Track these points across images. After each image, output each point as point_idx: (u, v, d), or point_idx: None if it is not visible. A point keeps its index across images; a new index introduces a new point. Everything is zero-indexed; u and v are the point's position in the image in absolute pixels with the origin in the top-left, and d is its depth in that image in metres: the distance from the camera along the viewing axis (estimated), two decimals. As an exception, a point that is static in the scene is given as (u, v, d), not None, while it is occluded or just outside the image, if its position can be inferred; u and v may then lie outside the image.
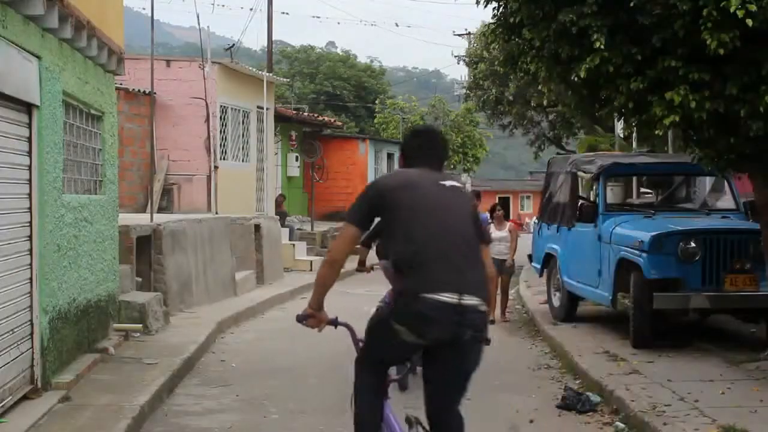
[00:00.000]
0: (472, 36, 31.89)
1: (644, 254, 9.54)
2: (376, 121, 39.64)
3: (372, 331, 4.78)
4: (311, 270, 19.43)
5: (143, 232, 11.57)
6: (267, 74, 21.23)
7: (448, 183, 4.44)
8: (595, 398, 7.63)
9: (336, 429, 7.04)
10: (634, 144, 16.67)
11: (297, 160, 26.16)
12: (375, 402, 4.88)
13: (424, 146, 4.58)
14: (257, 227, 16.52)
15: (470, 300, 4.22)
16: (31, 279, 7.14)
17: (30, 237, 7.13)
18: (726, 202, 11.46)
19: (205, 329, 10.93)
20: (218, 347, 10.61)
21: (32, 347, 7.11)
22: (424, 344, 4.50)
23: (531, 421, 7.27)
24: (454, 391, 4.68)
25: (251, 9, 66.96)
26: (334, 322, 4.99)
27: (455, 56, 35.85)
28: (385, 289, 7.07)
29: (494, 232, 12.46)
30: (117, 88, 10.95)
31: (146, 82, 14.50)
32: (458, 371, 4.63)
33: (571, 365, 9.25)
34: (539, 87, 10.31)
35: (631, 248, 9.82)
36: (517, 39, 9.02)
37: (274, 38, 28.99)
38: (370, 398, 4.92)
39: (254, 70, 21.37)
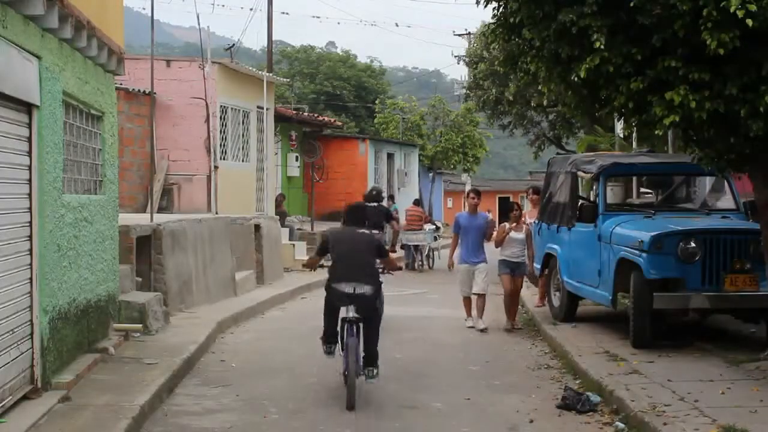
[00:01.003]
0: (472, 36, 31.90)
1: (644, 254, 9.54)
2: (376, 121, 39.59)
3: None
4: (311, 270, 19.38)
5: (143, 232, 11.57)
6: (267, 74, 21.23)
7: (359, 231, 8.45)
8: (595, 398, 7.63)
9: (336, 429, 7.05)
10: (634, 144, 16.66)
11: (297, 160, 26.17)
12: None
13: (351, 217, 8.62)
14: (257, 227, 16.52)
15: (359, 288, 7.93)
16: (31, 279, 7.15)
17: (30, 237, 7.13)
18: (726, 202, 11.46)
19: (205, 329, 10.93)
20: (218, 347, 10.61)
21: (32, 347, 7.11)
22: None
23: (531, 421, 7.27)
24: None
25: (251, 9, 66.99)
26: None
27: (455, 56, 35.78)
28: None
29: (512, 233, 12.14)
30: (117, 88, 10.95)
31: (146, 82, 14.50)
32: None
33: (571, 365, 9.25)
34: (539, 87, 10.29)
35: (631, 248, 9.83)
36: (517, 39, 9.01)
37: (274, 38, 29.02)
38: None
39: (254, 70, 21.38)
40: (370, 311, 8.12)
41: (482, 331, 11.91)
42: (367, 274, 8.04)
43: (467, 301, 12.47)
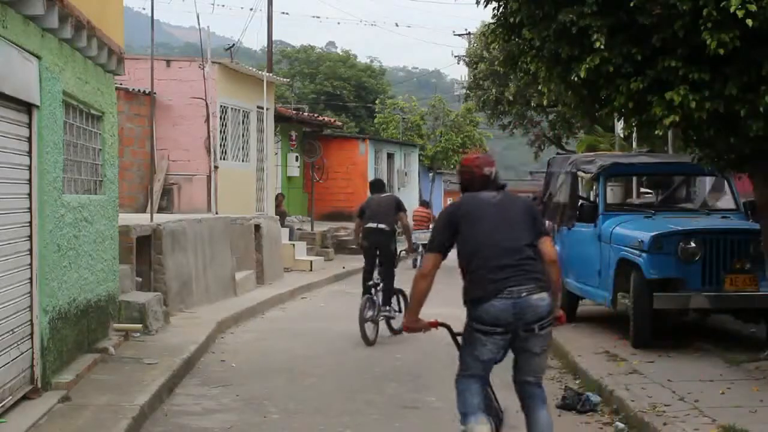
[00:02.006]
0: (472, 36, 31.87)
1: (644, 254, 9.54)
2: (376, 121, 39.58)
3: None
4: (311, 270, 19.45)
5: (143, 232, 11.57)
6: (267, 74, 21.23)
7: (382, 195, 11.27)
8: (595, 398, 7.63)
9: (336, 429, 7.05)
10: (634, 144, 16.67)
11: (297, 160, 26.17)
12: None
13: (374, 187, 11.89)
14: (257, 227, 16.53)
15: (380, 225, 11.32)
16: (31, 279, 7.15)
17: (30, 237, 7.13)
18: (726, 202, 11.46)
19: (205, 329, 10.93)
20: (218, 347, 10.61)
21: (32, 347, 7.12)
22: None
23: (531, 421, 7.26)
24: None
25: (251, 9, 67.13)
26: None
27: (455, 56, 35.83)
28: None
29: None
30: (117, 88, 10.95)
31: (146, 82, 14.50)
32: None
33: (571, 365, 9.25)
34: (539, 87, 10.28)
35: (631, 248, 9.82)
36: (517, 39, 9.01)
37: (274, 38, 29.02)
38: None
39: (254, 70, 21.38)
40: (386, 247, 11.52)
41: None
42: (387, 218, 11.55)
43: None
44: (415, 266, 21.33)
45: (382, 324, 11.35)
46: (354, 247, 22.78)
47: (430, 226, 22.42)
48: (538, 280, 5.02)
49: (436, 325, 5.46)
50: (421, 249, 22.31)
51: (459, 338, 5.47)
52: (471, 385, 5.38)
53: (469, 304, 5.20)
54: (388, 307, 11.31)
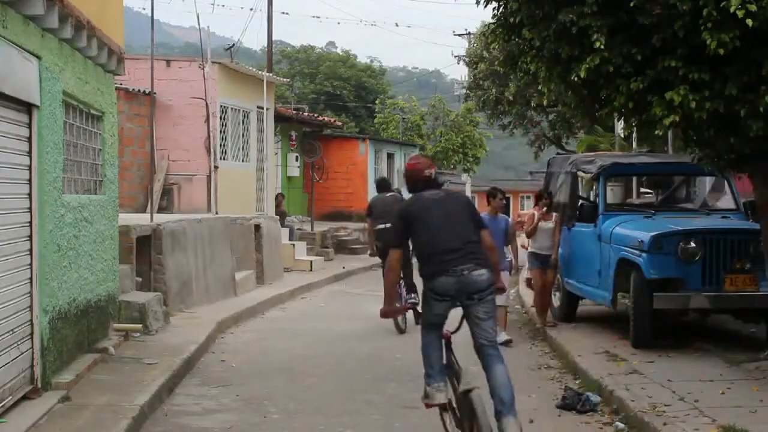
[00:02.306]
0: (472, 36, 31.89)
1: (644, 254, 9.54)
2: (376, 121, 39.57)
3: None
4: (311, 270, 19.44)
5: (143, 232, 11.57)
6: (267, 74, 21.23)
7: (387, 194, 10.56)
8: (595, 398, 7.63)
9: (336, 429, 7.05)
10: (634, 144, 16.67)
11: (297, 160, 26.17)
12: None
13: (380, 186, 11.72)
14: (257, 227, 16.53)
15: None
16: (31, 279, 7.15)
17: (30, 237, 7.13)
18: (726, 202, 11.46)
19: (205, 329, 10.93)
20: (218, 347, 10.61)
21: (32, 347, 7.12)
22: None
23: (531, 421, 7.26)
24: None
25: (251, 9, 67.21)
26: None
27: (455, 56, 35.87)
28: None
29: (541, 223, 11.49)
30: (117, 88, 10.95)
31: (146, 82, 14.50)
32: None
33: (571, 365, 9.25)
34: (539, 87, 10.27)
35: (631, 248, 9.83)
36: (517, 39, 9.02)
37: (274, 38, 29.01)
38: None
39: (254, 70, 21.37)
40: None
41: (504, 343, 10.28)
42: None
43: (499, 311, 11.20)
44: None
45: (409, 313, 11.30)
46: (354, 247, 23.00)
47: None
48: (477, 260, 6.09)
49: (407, 309, 7.79)
50: None
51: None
52: (432, 336, 6.61)
53: (425, 278, 6.23)
54: (413, 295, 10.98)
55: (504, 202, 11.28)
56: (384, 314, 6.65)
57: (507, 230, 11.11)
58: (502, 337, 10.66)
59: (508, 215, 13.30)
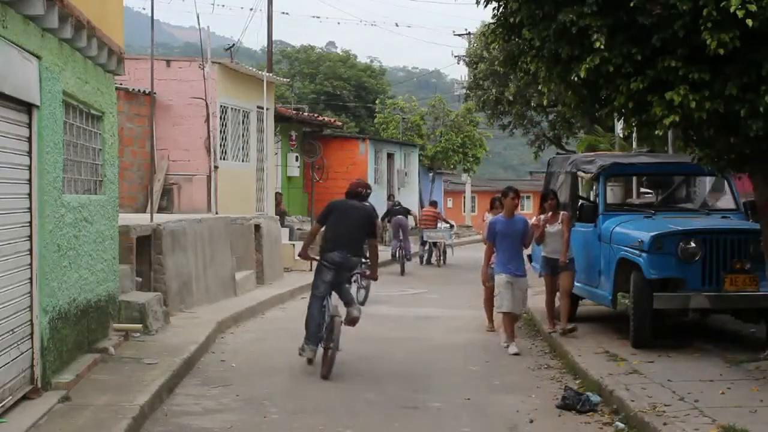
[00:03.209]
0: (472, 36, 31.90)
1: (644, 254, 9.54)
2: (376, 121, 39.53)
3: None
4: (311, 270, 19.40)
5: (143, 232, 11.57)
6: (267, 74, 21.22)
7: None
8: (595, 398, 7.63)
9: (336, 429, 7.05)
10: (634, 144, 16.67)
11: (297, 160, 26.16)
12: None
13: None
14: (257, 227, 16.52)
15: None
16: (31, 279, 7.15)
17: (30, 237, 7.13)
18: (726, 202, 11.46)
19: (205, 329, 10.92)
20: (218, 347, 10.61)
21: (32, 347, 7.11)
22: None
23: (531, 421, 7.27)
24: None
25: (251, 9, 67.24)
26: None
27: (455, 56, 35.89)
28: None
29: (548, 227, 10.95)
30: (117, 88, 10.95)
31: (146, 82, 14.50)
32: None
33: (571, 365, 9.25)
34: (539, 87, 10.26)
35: (631, 248, 9.83)
36: (517, 39, 9.02)
37: (274, 38, 29.01)
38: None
39: (254, 70, 21.37)
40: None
41: (515, 354, 10.18)
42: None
43: (510, 320, 10.52)
44: (421, 262, 23.66)
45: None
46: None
47: (438, 225, 24.17)
48: (355, 250, 9.32)
49: (314, 259, 9.55)
50: (428, 246, 23.94)
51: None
52: (317, 306, 9.22)
53: (323, 251, 9.25)
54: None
55: (517, 201, 10.58)
56: (300, 255, 9.94)
57: (525, 232, 10.53)
58: (513, 348, 10.27)
59: None
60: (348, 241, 9.17)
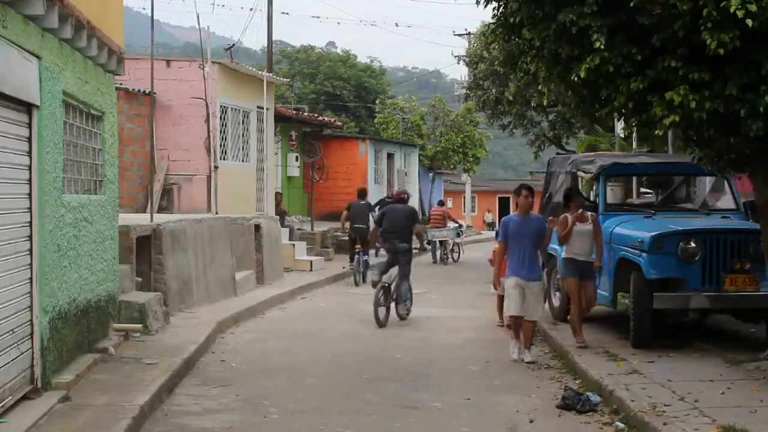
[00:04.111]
0: (472, 36, 31.91)
1: (644, 254, 9.54)
2: (376, 121, 39.53)
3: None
4: (311, 270, 19.44)
5: (143, 232, 11.57)
6: (267, 74, 21.22)
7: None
8: (595, 398, 7.63)
9: (336, 429, 7.05)
10: (634, 144, 16.68)
11: (297, 160, 26.16)
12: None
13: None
14: (257, 227, 16.53)
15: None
16: (31, 279, 7.15)
17: (30, 237, 7.13)
18: (726, 202, 11.47)
19: (205, 329, 10.93)
20: (218, 347, 10.61)
21: (32, 347, 7.12)
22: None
23: (531, 421, 7.27)
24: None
25: (251, 9, 67.19)
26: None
27: (455, 56, 35.89)
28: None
29: (576, 226, 10.12)
30: (117, 88, 10.95)
31: (146, 82, 14.50)
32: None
33: (571, 365, 9.25)
34: (539, 87, 10.23)
35: (631, 248, 9.82)
36: (517, 39, 9.02)
37: (274, 38, 28.99)
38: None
39: (254, 70, 21.36)
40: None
41: (529, 363, 9.66)
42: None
43: (516, 322, 9.85)
44: (434, 260, 24.49)
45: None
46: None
47: (447, 224, 25.09)
48: (402, 239, 12.84)
49: (379, 246, 14.05)
50: (437, 244, 24.70)
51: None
52: (384, 270, 12.83)
53: (382, 241, 13.11)
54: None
55: (531, 199, 9.95)
56: (370, 241, 15.30)
57: (541, 233, 9.85)
58: (528, 356, 9.80)
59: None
60: (397, 233, 12.82)
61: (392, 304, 12.69)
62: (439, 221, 25.02)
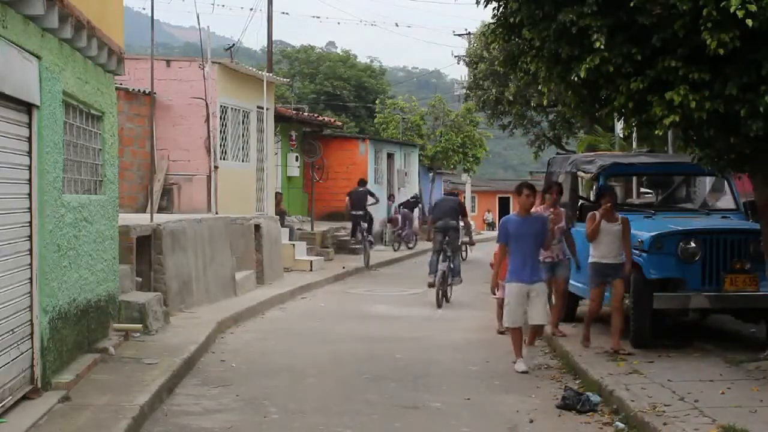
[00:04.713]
0: (472, 36, 31.91)
1: (644, 254, 9.54)
2: (376, 121, 39.47)
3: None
4: (311, 270, 19.45)
5: (143, 232, 11.57)
6: (267, 74, 21.21)
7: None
8: (595, 398, 7.63)
9: (336, 429, 7.05)
10: (634, 144, 16.68)
11: (297, 160, 26.15)
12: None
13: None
14: (257, 227, 16.52)
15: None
16: (31, 279, 7.15)
17: (30, 237, 7.13)
18: (726, 202, 11.46)
19: (205, 329, 10.92)
20: (218, 347, 10.61)
21: (32, 347, 7.11)
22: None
23: (531, 421, 7.27)
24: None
25: (251, 9, 67.07)
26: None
27: (455, 56, 35.87)
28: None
29: (603, 224, 9.62)
30: (117, 88, 10.95)
31: (146, 82, 14.50)
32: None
33: (571, 365, 9.25)
34: (539, 87, 10.22)
35: (632, 248, 9.82)
36: (517, 39, 9.02)
37: (274, 38, 28.98)
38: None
39: (254, 70, 21.36)
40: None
41: (531, 368, 9.29)
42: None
43: (517, 334, 9.30)
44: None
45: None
46: (354, 247, 23.24)
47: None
48: (451, 217, 15.11)
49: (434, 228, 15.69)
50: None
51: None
52: (435, 256, 15.03)
53: (432, 223, 15.47)
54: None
55: (533, 199, 9.55)
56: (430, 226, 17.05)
57: (543, 233, 9.40)
58: (533, 360, 9.48)
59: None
60: (446, 214, 15.14)
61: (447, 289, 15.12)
62: None
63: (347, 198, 22.19)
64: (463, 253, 25.44)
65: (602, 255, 9.66)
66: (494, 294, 11.13)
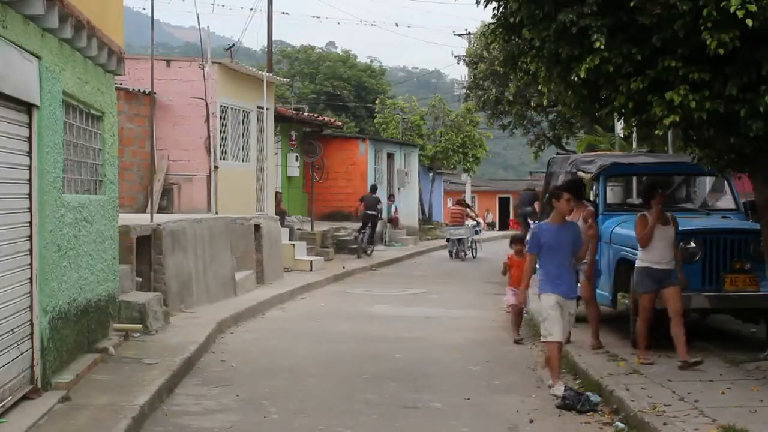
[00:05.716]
0: (472, 36, 31.87)
1: (644, 254, 9.51)
2: (376, 121, 39.48)
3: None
4: (311, 270, 19.45)
5: (143, 232, 11.57)
6: (267, 74, 21.22)
7: (374, 195, 24.54)
8: (595, 398, 7.63)
9: (336, 429, 7.05)
10: (634, 144, 16.67)
11: (297, 160, 26.16)
12: None
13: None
14: (257, 227, 16.52)
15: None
16: (31, 279, 7.15)
17: (30, 237, 7.13)
18: (726, 202, 11.46)
19: (205, 329, 10.92)
20: (218, 347, 10.61)
21: (32, 347, 7.12)
22: None
23: (531, 421, 7.27)
24: None
25: (251, 9, 67.16)
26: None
27: (455, 56, 35.81)
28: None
29: (658, 228, 8.93)
30: (117, 88, 10.95)
31: (146, 82, 14.50)
32: None
33: (571, 365, 9.25)
34: (539, 87, 10.21)
35: (632, 248, 9.81)
36: (517, 39, 9.01)
37: (274, 38, 28.98)
38: None
39: (254, 70, 21.36)
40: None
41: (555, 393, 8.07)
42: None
43: (557, 351, 8.22)
44: (451, 256, 25.40)
45: None
46: (354, 247, 23.38)
47: (465, 222, 26.04)
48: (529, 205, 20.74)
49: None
50: (456, 241, 25.70)
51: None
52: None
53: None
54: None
55: (572, 205, 8.65)
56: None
57: (577, 242, 8.44)
58: (559, 389, 7.94)
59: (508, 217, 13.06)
60: (524, 204, 16.76)
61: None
62: (458, 219, 25.88)
63: (361, 202, 24.40)
64: (472, 252, 26.24)
65: (655, 261, 8.92)
66: (509, 304, 11.26)
